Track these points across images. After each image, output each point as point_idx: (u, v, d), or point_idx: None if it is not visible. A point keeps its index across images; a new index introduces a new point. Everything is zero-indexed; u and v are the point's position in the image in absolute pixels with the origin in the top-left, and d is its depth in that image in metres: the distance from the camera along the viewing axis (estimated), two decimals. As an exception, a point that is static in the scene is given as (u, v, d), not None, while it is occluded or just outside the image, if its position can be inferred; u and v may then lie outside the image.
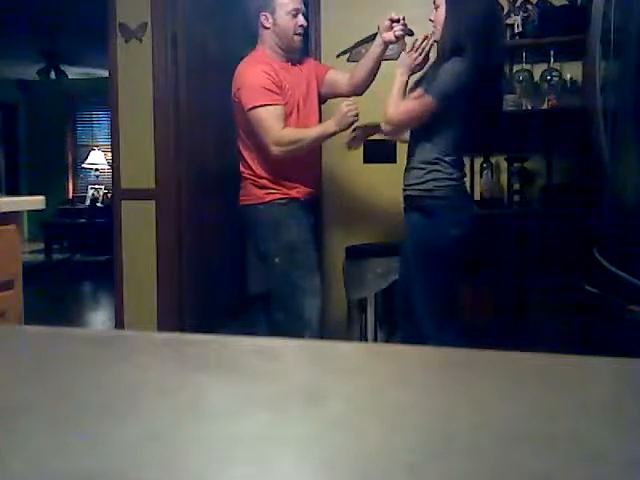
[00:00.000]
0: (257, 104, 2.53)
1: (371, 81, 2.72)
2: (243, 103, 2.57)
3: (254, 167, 2.67)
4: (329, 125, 2.57)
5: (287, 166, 2.62)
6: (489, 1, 2.42)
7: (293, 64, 2.73)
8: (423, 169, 2.36)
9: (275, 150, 2.54)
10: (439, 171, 2.34)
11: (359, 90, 2.76)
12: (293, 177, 2.65)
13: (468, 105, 2.31)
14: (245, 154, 2.69)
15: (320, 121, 2.75)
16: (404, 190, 2.44)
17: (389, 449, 0.37)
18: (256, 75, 2.56)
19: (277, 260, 2.63)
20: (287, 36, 2.65)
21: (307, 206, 2.71)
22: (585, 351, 0.56)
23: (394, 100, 2.34)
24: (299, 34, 2.67)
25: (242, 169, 2.72)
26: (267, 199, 2.64)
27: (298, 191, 2.66)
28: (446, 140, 2.34)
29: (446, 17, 2.31)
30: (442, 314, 2.42)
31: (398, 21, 2.48)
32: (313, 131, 2.61)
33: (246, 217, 2.74)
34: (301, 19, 2.66)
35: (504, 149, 3.34)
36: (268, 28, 2.66)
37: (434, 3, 2.37)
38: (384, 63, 2.72)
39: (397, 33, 2.49)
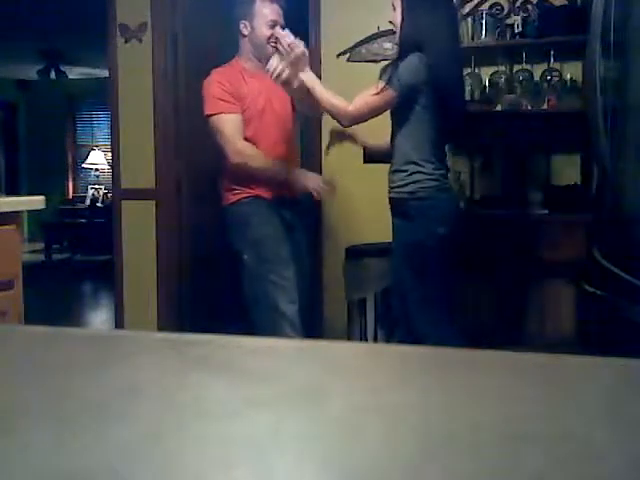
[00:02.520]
0: (212, 112, 2.66)
1: (305, 100, 2.61)
2: (204, 111, 2.69)
3: (224, 169, 2.73)
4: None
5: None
6: (444, 3, 2.44)
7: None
8: (405, 171, 2.38)
9: (236, 159, 2.63)
10: (421, 172, 2.35)
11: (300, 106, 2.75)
12: (255, 177, 2.68)
13: (433, 103, 2.33)
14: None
15: (294, 122, 2.82)
16: (388, 192, 2.45)
17: (389, 449, 0.37)
18: (210, 85, 2.68)
19: (246, 257, 2.67)
20: (261, 44, 2.69)
21: (277, 204, 2.72)
22: (585, 351, 0.56)
23: (326, 95, 2.41)
24: (273, 45, 2.69)
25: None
26: (234, 199, 2.71)
27: (264, 190, 2.68)
28: (422, 139, 2.36)
29: (402, 18, 2.37)
30: (437, 314, 2.41)
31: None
32: (271, 166, 2.65)
33: (224, 218, 2.78)
34: (278, 31, 2.68)
35: (503, 149, 3.34)
36: (245, 36, 2.73)
37: (392, 5, 2.41)
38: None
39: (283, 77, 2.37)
